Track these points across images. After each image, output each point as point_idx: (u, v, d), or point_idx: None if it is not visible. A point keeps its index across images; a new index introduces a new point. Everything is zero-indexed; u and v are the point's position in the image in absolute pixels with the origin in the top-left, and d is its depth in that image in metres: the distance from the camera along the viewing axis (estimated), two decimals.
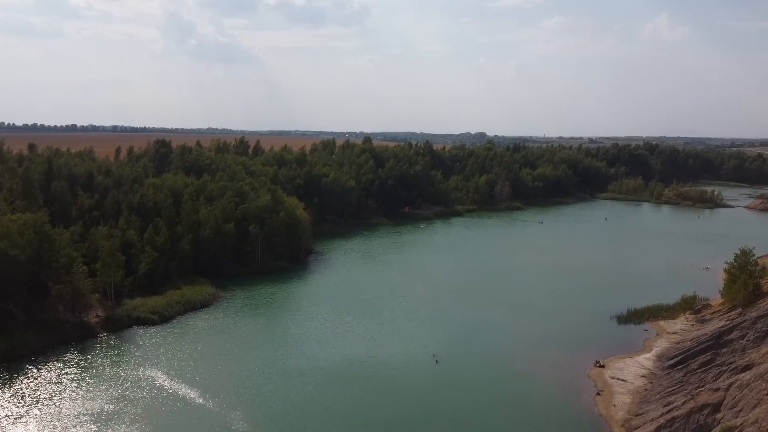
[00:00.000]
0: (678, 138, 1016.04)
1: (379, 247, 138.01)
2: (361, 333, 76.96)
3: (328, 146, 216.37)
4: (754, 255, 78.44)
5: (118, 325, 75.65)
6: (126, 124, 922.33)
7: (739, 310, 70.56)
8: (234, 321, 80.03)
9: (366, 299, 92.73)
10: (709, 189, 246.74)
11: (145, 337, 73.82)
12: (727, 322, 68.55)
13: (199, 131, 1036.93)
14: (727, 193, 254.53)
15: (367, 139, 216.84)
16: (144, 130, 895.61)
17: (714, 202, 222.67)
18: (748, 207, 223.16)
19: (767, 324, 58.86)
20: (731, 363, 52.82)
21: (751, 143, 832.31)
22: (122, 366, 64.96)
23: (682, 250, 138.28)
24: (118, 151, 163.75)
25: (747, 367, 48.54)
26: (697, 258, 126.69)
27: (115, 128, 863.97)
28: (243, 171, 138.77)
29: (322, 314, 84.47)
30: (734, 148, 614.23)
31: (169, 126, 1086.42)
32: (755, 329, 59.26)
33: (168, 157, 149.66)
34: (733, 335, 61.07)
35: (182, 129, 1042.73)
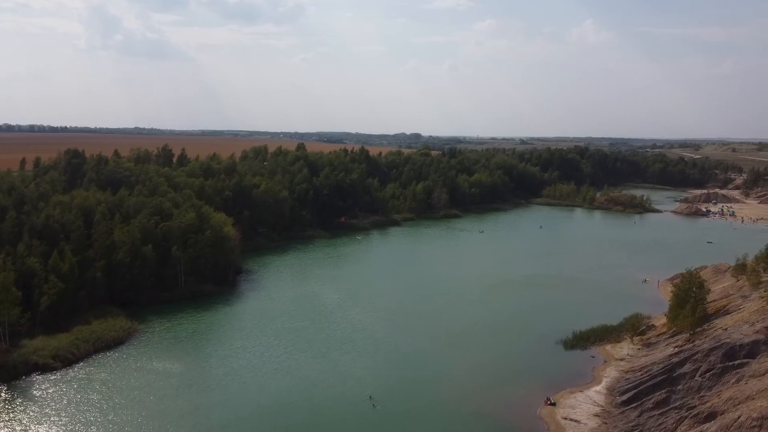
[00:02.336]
0: (603, 139, 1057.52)
1: (314, 263, 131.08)
2: (292, 370, 70.22)
3: (260, 153, 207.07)
4: (699, 277, 76.78)
5: (13, 374, 65.68)
6: (45, 123, 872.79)
7: (687, 336, 68.37)
8: (150, 362, 71.39)
9: (299, 327, 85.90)
10: (638, 194, 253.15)
11: (44, 386, 64.37)
12: (676, 350, 66.24)
13: (125, 131, 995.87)
14: (653, 196, 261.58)
15: (301, 145, 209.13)
16: (65, 129, 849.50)
17: (643, 207, 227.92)
18: (674, 212, 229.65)
19: (720, 357, 56.45)
20: (691, 407, 49.72)
21: (671, 144, 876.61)
22: (13, 426, 55.73)
23: (619, 260, 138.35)
24: (23, 162, 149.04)
25: (710, 416, 45.38)
26: (634, 269, 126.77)
27: (32, 128, 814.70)
28: (166, 184, 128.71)
29: (249, 348, 77.11)
30: (656, 150, 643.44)
31: (92, 125, 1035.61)
32: (708, 363, 56.70)
33: (81, 168, 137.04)
34: (685, 368, 58.38)
35: (107, 128, 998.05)
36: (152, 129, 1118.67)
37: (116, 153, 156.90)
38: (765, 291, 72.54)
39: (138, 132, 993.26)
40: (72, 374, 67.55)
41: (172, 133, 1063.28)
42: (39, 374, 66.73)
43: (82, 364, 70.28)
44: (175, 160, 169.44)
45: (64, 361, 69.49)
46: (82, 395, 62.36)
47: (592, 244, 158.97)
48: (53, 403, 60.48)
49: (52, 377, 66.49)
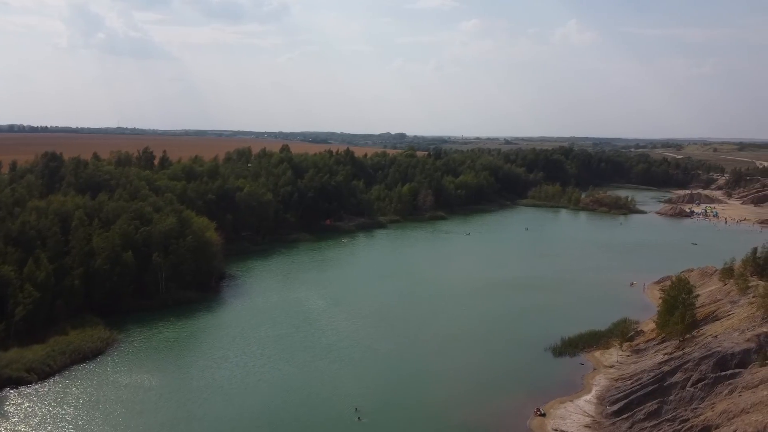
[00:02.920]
0: (587, 139, 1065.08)
1: (299, 267, 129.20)
2: (276, 381, 68.47)
3: (244, 155, 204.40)
4: (688, 283, 76.18)
5: None
6: (25, 123, 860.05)
7: (676, 343, 67.66)
8: (129, 374, 69.13)
9: (283, 335, 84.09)
10: (622, 194, 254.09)
11: (18, 401, 61.97)
12: (666, 357, 65.51)
13: (107, 131, 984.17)
14: (637, 196, 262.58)
15: (285, 147, 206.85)
16: (45, 129, 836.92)
17: (628, 208, 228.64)
18: (659, 212, 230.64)
19: (711, 367, 55.68)
20: (684, 420, 48.80)
21: (654, 144, 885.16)
22: None
23: (605, 262, 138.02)
24: None
25: (704, 430, 44.44)
26: (620, 271, 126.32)
27: (12, 127, 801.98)
28: (147, 187, 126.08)
29: (231, 358, 75.17)
30: (639, 150, 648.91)
31: (73, 125, 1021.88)
32: (700, 372, 55.91)
33: (59, 172, 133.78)
34: (676, 377, 57.55)
35: (88, 128, 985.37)
36: (135, 129, 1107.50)
37: (95, 156, 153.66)
38: (753, 296, 72.21)
39: (120, 132, 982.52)
40: (47, 388, 65.21)
41: (155, 133, 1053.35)
42: (13, 388, 64.22)
43: (58, 377, 67.91)
44: (156, 162, 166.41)
45: (40, 374, 67.04)
46: (58, 410, 60.10)
47: (578, 246, 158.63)
48: (27, 419, 58.19)
49: (27, 391, 64.09)
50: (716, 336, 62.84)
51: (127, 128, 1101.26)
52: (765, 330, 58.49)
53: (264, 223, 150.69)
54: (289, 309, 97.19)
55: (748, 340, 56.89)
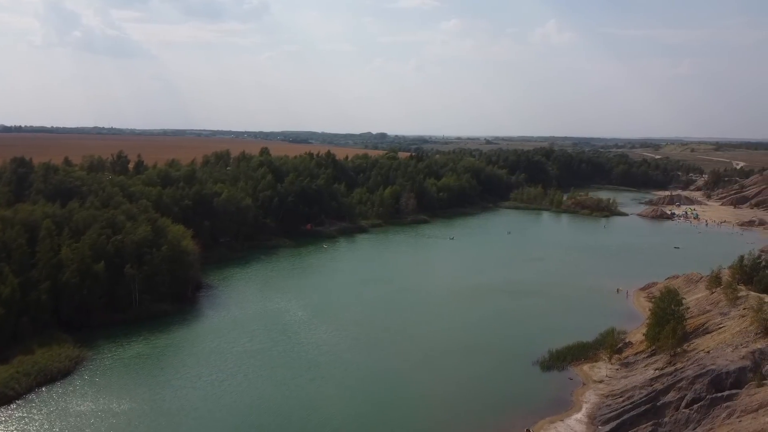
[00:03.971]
0: (567, 138, 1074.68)
1: (278, 275, 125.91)
2: (253, 402, 65.24)
3: (222, 158, 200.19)
4: (677, 294, 74.56)
5: None
6: None
7: (667, 357, 65.89)
8: (97, 397, 65.38)
9: (261, 350, 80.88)
10: (603, 196, 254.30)
11: None
12: (657, 373, 63.69)
13: (83, 130, 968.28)
14: (617, 197, 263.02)
15: (265, 149, 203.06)
16: (19, 129, 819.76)
17: (610, 210, 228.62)
18: (640, 215, 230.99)
19: (706, 386, 53.85)
20: None
21: (632, 144, 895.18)
22: None
23: (589, 267, 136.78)
24: None
25: None
26: (605, 277, 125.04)
27: None
28: (120, 194, 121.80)
29: (206, 376, 71.78)
30: (618, 150, 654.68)
31: (48, 124, 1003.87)
32: (694, 392, 54.06)
33: (28, 178, 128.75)
34: (669, 396, 55.68)
35: (64, 128, 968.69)
36: (112, 128, 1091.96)
37: (67, 161, 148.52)
38: (744, 308, 70.83)
39: (97, 132, 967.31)
40: (9, 413, 61.36)
41: (132, 132, 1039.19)
42: None
43: (21, 401, 64.06)
44: (131, 167, 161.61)
45: (2, 398, 63.17)
46: None
47: (561, 250, 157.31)
48: None
49: None
50: (708, 351, 61.15)
51: (104, 128, 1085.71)
52: (759, 346, 56.89)
53: (243, 229, 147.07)
54: (268, 321, 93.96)
55: (743, 357, 55.20)
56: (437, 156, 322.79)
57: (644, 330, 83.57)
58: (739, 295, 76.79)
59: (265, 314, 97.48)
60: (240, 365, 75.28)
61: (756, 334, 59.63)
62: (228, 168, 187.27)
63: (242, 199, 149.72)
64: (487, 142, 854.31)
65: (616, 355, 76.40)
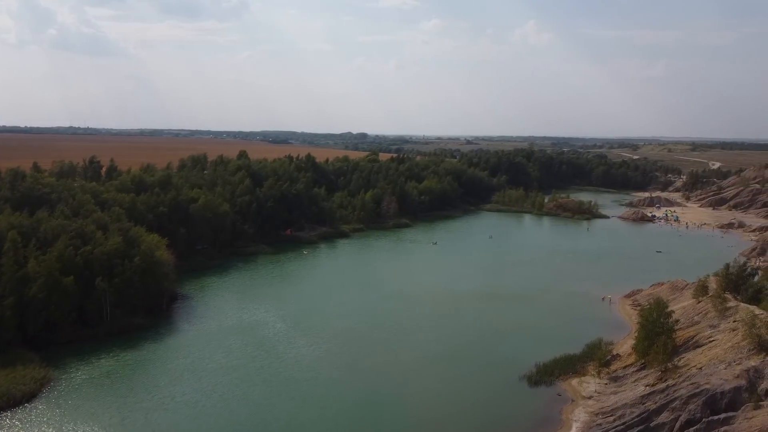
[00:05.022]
0: (546, 138, 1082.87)
1: (257, 284, 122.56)
2: (228, 426, 62.12)
3: (199, 162, 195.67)
4: (667, 307, 72.94)
5: None
6: None
7: (658, 373, 64.12)
8: (61, 422, 61.56)
9: (237, 366, 77.61)
10: (583, 197, 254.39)
11: None
12: (648, 389, 61.87)
13: (58, 130, 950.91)
14: (598, 199, 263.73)
15: (243, 153, 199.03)
16: None
17: (591, 213, 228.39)
18: (621, 217, 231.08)
19: (700, 407, 52.03)
20: None
21: (610, 144, 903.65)
22: None
23: (572, 273, 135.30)
24: None
25: None
26: (589, 283, 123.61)
27: None
28: (92, 201, 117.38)
29: (179, 396, 68.38)
30: (597, 150, 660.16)
31: (22, 124, 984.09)
32: (689, 412, 52.22)
33: None
34: (663, 417, 53.78)
35: (38, 128, 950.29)
36: (88, 128, 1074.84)
37: (36, 166, 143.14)
38: (734, 321, 69.44)
39: (72, 132, 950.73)
40: None
41: (109, 132, 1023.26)
42: None
43: None
44: (103, 172, 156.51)
45: None
46: None
47: (544, 255, 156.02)
48: None
49: None
50: (701, 368, 59.47)
51: (80, 128, 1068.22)
52: (753, 364, 55.29)
53: (220, 236, 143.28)
54: (246, 334, 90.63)
55: (738, 376, 53.51)
56: (418, 158, 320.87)
57: (632, 341, 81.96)
58: (727, 305, 75.43)
59: (243, 326, 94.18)
60: (215, 384, 71.97)
61: (749, 350, 58.07)
62: (205, 172, 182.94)
63: (219, 205, 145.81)
64: (468, 142, 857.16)
65: (605, 369, 74.48)
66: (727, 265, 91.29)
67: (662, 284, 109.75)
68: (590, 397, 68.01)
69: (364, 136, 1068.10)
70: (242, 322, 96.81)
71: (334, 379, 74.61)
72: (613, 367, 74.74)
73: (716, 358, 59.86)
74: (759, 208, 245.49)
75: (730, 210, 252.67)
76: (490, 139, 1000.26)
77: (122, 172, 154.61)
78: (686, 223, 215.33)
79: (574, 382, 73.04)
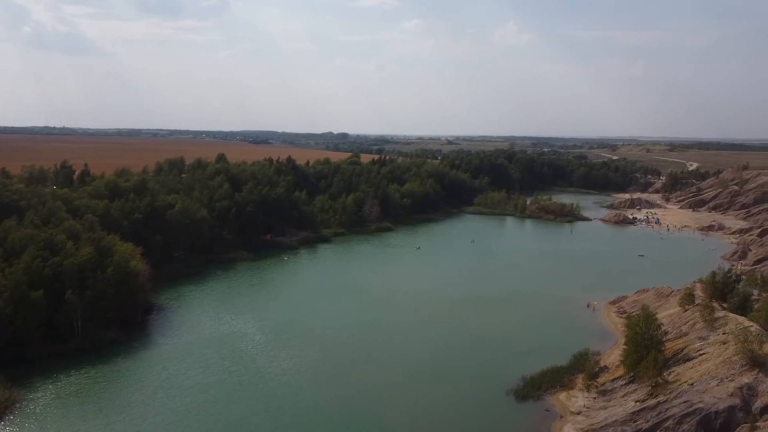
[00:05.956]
0: (526, 138, 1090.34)
1: (236, 292, 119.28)
2: None
3: (176, 166, 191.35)
4: (656, 319, 71.52)
5: None
6: None
7: (648, 389, 62.56)
8: None
9: (213, 383, 74.51)
10: (565, 199, 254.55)
11: None
12: (638, 406, 60.26)
13: (33, 130, 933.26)
14: (579, 201, 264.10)
15: (221, 156, 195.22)
16: None
17: (574, 216, 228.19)
18: (603, 220, 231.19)
19: (694, 427, 50.47)
20: None
21: (590, 144, 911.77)
22: None
23: (555, 278, 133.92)
24: None
25: None
26: (572, 288, 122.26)
27: None
28: (64, 209, 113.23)
29: (152, 417, 65.12)
30: (577, 150, 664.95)
31: None
32: None
33: None
34: None
35: (12, 127, 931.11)
36: (64, 128, 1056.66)
37: (4, 172, 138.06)
38: (723, 333, 68.24)
39: (48, 132, 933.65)
40: None
41: (86, 132, 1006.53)
42: None
43: None
44: (76, 177, 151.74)
45: None
46: None
47: (527, 260, 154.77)
48: None
49: None
50: (692, 384, 57.96)
51: (55, 127, 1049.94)
52: (746, 380, 53.91)
53: (198, 243, 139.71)
54: (223, 347, 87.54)
55: (732, 394, 52.06)
56: (400, 159, 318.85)
57: (619, 351, 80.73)
58: (715, 315, 74.25)
59: (221, 338, 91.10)
60: (190, 403, 68.90)
61: (741, 366, 56.68)
62: (183, 176, 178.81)
63: (197, 211, 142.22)
64: (449, 142, 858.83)
65: (593, 381, 72.80)
66: (713, 273, 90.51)
67: (647, 291, 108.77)
68: (579, 413, 66.27)
69: (345, 136, 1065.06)
70: (220, 333, 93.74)
71: (315, 394, 72.02)
72: (601, 380, 73.12)
73: (708, 373, 58.41)
74: (738, 210, 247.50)
75: (709, 212, 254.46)
76: (470, 139, 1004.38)
77: (96, 177, 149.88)
78: (667, 226, 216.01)
79: (562, 396, 71.29)
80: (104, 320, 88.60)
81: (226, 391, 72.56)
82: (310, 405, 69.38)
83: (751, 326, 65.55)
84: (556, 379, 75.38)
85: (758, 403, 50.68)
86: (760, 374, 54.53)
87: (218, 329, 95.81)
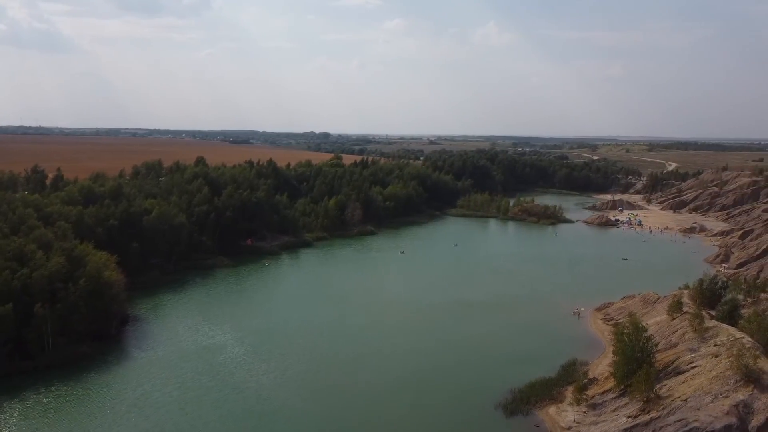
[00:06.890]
0: (507, 138, 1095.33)
1: (215, 300, 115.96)
2: None
3: (153, 169, 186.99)
4: (646, 330, 69.99)
5: None
6: None
7: (640, 405, 60.90)
8: None
9: (190, 399, 71.62)
10: (547, 200, 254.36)
11: None
12: (631, 423, 58.61)
13: (7, 129, 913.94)
14: (561, 202, 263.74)
15: (201, 159, 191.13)
16: None
17: (556, 218, 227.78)
18: (586, 222, 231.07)
19: None
20: None
21: (570, 144, 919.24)
22: None
23: (541, 283, 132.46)
24: None
25: None
26: (558, 294, 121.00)
27: None
28: (35, 216, 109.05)
29: None
30: (557, 150, 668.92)
31: None
32: None
33: None
34: None
35: None
36: (40, 127, 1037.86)
37: None
38: (714, 344, 66.91)
39: (23, 131, 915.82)
40: None
41: (62, 132, 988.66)
42: None
43: None
44: (48, 182, 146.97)
45: None
46: None
47: (512, 264, 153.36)
48: None
49: None
50: (686, 400, 56.40)
51: (31, 127, 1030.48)
52: (742, 397, 52.44)
53: (176, 249, 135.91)
54: (200, 361, 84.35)
55: (727, 413, 50.55)
56: (383, 161, 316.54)
57: (607, 361, 79.42)
58: (705, 325, 72.92)
59: (199, 351, 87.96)
60: (163, 424, 65.83)
61: (736, 382, 55.22)
62: (161, 179, 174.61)
63: (175, 216, 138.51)
64: (431, 142, 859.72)
65: (582, 395, 71.07)
66: (701, 281, 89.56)
67: (633, 297, 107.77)
68: (569, 428, 64.49)
69: (326, 135, 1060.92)
70: (198, 346, 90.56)
71: (295, 412, 69.32)
72: (590, 392, 71.45)
73: (701, 388, 56.89)
74: (718, 211, 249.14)
75: (690, 213, 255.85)
76: (452, 139, 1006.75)
77: (69, 181, 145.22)
78: (649, 228, 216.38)
79: (552, 410, 69.44)
80: (76, 334, 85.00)
81: (202, 410, 69.39)
82: (290, 424, 66.77)
83: (743, 338, 64.28)
84: (544, 391, 73.54)
85: (755, 422, 49.29)
86: (755, 390, 53.15)
87: (196, 341, 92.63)
